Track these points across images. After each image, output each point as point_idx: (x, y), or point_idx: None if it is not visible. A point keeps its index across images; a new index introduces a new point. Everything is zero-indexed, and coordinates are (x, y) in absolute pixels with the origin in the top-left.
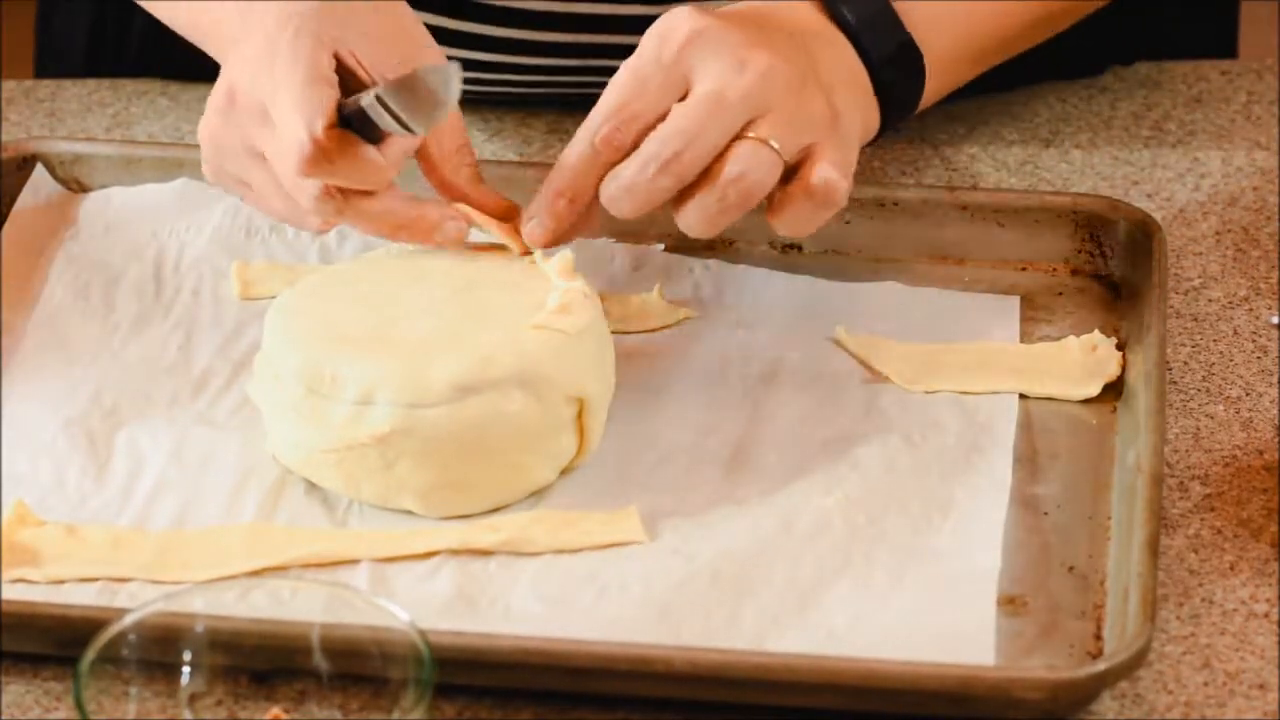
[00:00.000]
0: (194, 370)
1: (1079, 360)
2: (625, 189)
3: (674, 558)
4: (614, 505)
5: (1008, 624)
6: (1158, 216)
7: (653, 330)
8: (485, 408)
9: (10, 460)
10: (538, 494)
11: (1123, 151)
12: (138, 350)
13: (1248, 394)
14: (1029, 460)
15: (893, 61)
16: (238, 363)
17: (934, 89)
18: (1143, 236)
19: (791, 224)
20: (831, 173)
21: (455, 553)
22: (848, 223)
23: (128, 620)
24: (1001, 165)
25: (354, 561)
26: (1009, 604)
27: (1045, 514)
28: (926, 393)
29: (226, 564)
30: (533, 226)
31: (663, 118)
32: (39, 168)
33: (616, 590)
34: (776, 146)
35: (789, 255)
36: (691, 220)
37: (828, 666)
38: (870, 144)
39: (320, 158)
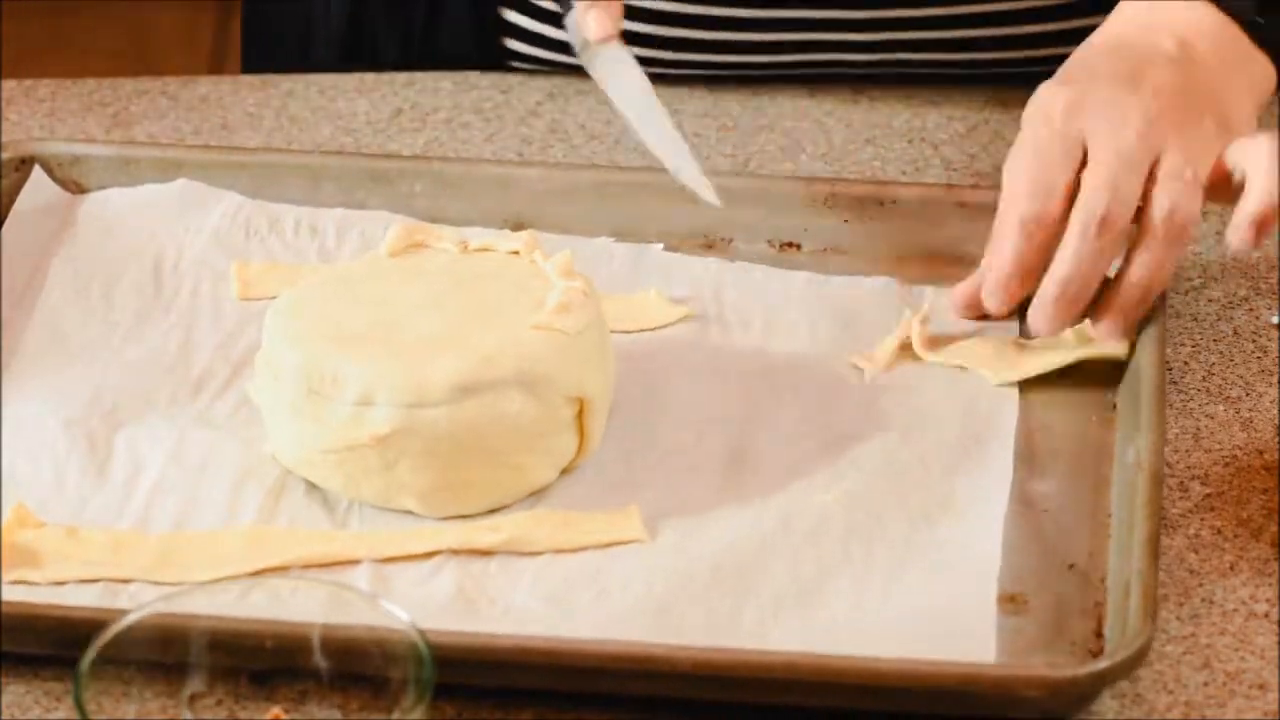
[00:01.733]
0: (193, 370)
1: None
2: (1071, 259)
3: (674, 556)
4: (614, 505)
5: (1008, 621)
6: None
7: (652, 329)
8: (485, 408)
9: (10, 461)
10: (538, 494)
11: None
12: (137, 350)
13: (1248, 394)
14: (1028, 457)
15: (1258, 11)
16: (237, 362)
17: None
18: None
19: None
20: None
21: (456, 552)
22: (846, 222)
23: (127, 620)
24: (1001, 165)
25: (354, 562)
26: (1009, 601)
27: (1045, 511)
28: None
29: (227, 565)
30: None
31: (1074, 186)
32: (37, 169)
33: (617, 589)
34: (1189, 175)
35: (787, 254)
36: (1137, 272)
37: (830, 665)
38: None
39: None
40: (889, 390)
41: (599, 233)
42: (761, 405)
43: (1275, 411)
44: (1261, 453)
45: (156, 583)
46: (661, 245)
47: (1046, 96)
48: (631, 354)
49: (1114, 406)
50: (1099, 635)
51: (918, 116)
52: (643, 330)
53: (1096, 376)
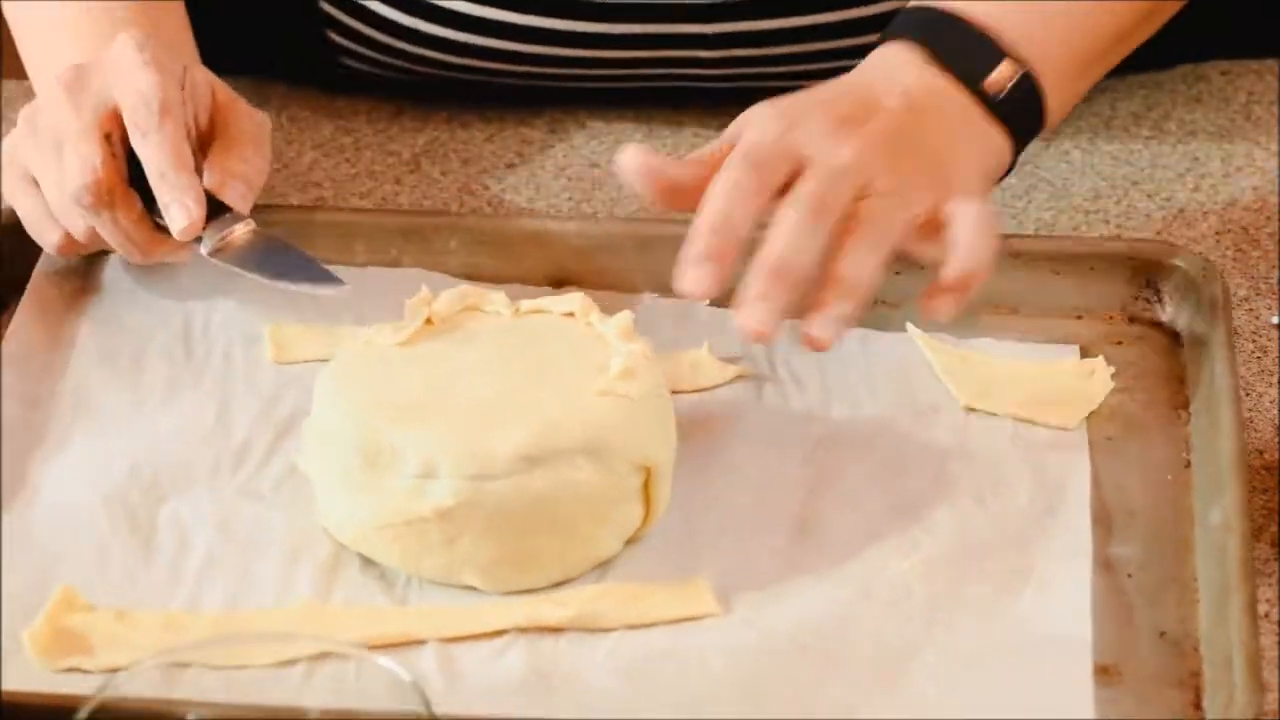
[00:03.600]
0: (233, 440)
1: (1070, 385)
2: (781, 235)
3: (751, 630)
4: (681, 575)
5: (1101, 693)
6: (1158, 216)
7: (705, 390)
8: (552, 479)
9: (51, 540)
10: (603, 565)
11: (1123, 151)
12: (173, 419)
13: (1248, 394)
14: (1104, 520)
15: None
16: (278, 430)
17: (1059, 103)
18: (1203, 282)
19: (956, 290)
20: (968, 216)
21: (523, 630)
22: (898, 274)
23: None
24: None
25: (419, 641)
26: (1102, 673)
27: (1129, 576)
28: (969, 409)
29: (288, 647)
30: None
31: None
32: None
33: (696, 665)
34: (897, 196)
35: None
36: (841, 265)
37: None
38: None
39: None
40: (954, 450)
41: (641, 287)
42: (824, 468)
43: (1275, 411)
44: (1261, 453)
45: (216, 667)
46: (707, 300)
47: (758, 114)
48: (687, 416)
49: (1187, 464)
50: (1197, 707)
51: None
52: (696, 391)
53: (1168, 433)
